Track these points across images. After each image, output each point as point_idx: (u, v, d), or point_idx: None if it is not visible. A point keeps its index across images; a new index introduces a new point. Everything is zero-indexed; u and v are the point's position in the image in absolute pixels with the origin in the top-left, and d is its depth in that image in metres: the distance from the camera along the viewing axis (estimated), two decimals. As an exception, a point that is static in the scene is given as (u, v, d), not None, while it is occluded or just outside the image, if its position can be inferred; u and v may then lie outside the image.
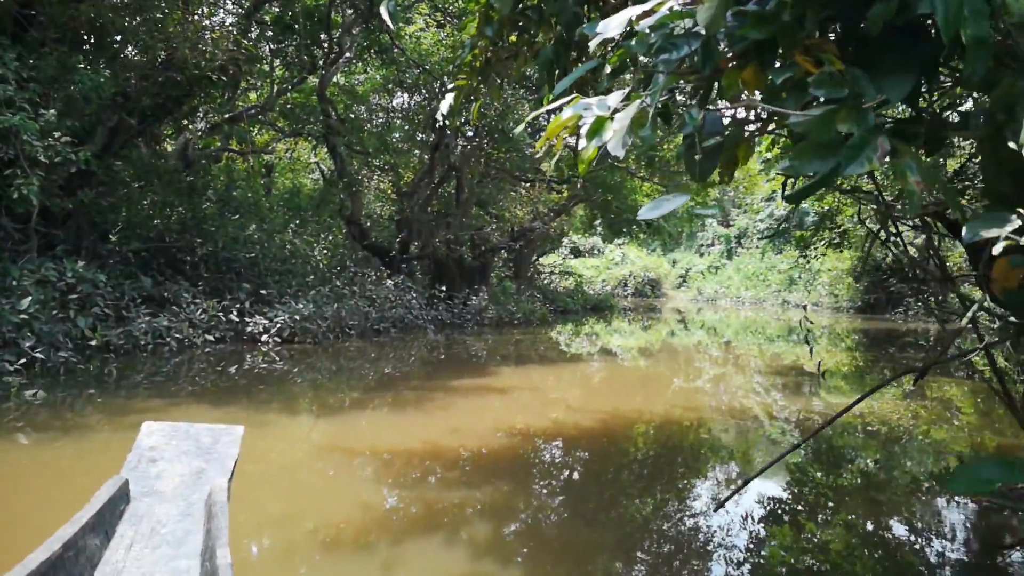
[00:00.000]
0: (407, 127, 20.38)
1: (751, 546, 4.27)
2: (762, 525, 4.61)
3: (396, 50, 17.19)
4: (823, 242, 13.61)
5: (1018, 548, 4.32)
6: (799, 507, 5.11)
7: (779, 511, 4.96)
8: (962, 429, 7.83)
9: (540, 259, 32.88)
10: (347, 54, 17.88)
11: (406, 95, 20.48)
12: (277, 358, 11.43)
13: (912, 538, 4.51)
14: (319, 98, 17.72)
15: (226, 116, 18.70)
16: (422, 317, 16.82)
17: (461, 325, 18.02)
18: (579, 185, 21.59)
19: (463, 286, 19.63)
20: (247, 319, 12.48)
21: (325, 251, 20.52)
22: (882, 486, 5.61)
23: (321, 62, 17.20)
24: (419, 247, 19.70)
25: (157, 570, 2.46)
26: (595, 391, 9.59)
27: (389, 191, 22.24)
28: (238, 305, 12.69)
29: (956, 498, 5.01)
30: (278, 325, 12.30)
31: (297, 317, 12.41)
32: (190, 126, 19.20)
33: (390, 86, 19.20)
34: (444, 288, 18.71)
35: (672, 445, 6.62)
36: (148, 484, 3.01)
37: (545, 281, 31.30)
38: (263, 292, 13.29)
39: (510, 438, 6.33)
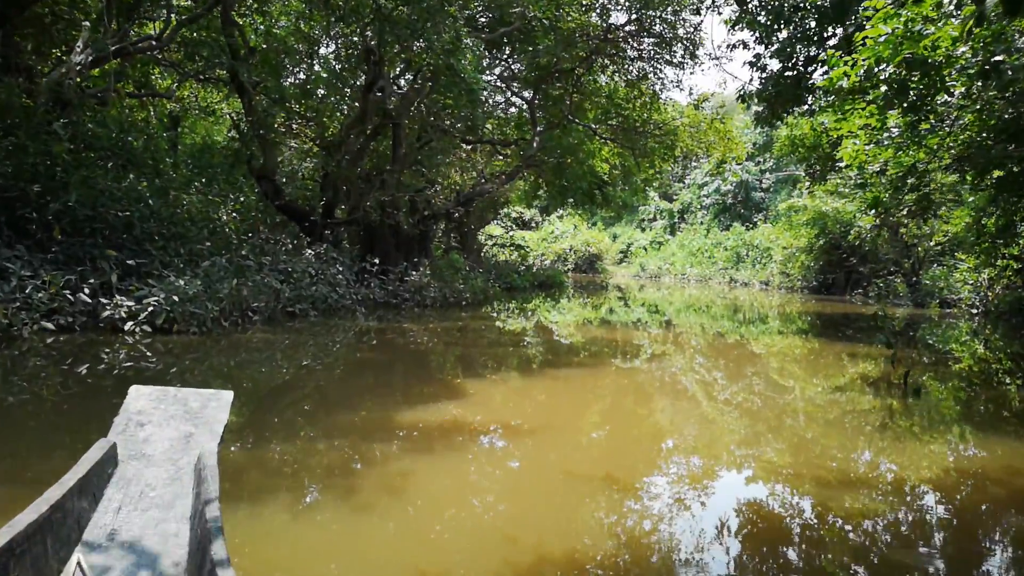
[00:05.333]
0: (333, 72, 16.96)
1: None
2: None
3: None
4: (904, 206, 11.04)
5: None
6: None
7: None
8: None
9: (481, 230, 29.98)
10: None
11: (333, 42, 17.07)
12: (149, 353, 8.21)
13: None
14: (223, 21, 14.19)
15: (113, 48, 15.01)
16: (349, 296, 13.66)
17: (398, 306, 14.93)
18: (535, 143, 18.66)
19: (399, 258, 16.52)
20: (104, 300, 9.13)
21: (234, 214, 17.06)
22: None
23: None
24: (347, 210, 16.42)
25: (146, 533, 2.45)
26: (630, 436, 6.18)
27: (312, 145, 18.81)
28: (91, 280, 9.31)
29: None
30: (150, 308, 9.00)
31: (176, 297, 9.11)
32: (64, 58, 15.60)
33: (311, 12, 15.70)
34: (377, 260, 15.57)
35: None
36: (136, 448, 2.96)
37: (487, 254, 28.47)
38: (131, 263, 9.92)
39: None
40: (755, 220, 44.54)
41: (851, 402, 7.53)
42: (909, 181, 8.88)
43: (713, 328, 15.71)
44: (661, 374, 9.33)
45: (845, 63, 7.57)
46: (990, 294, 20.01)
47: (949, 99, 7.26)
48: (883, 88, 7.19)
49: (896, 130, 7.85)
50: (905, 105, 7.17)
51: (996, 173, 10.52)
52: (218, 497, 2.42)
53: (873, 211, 11.65)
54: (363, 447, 5.10)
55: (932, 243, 22.43)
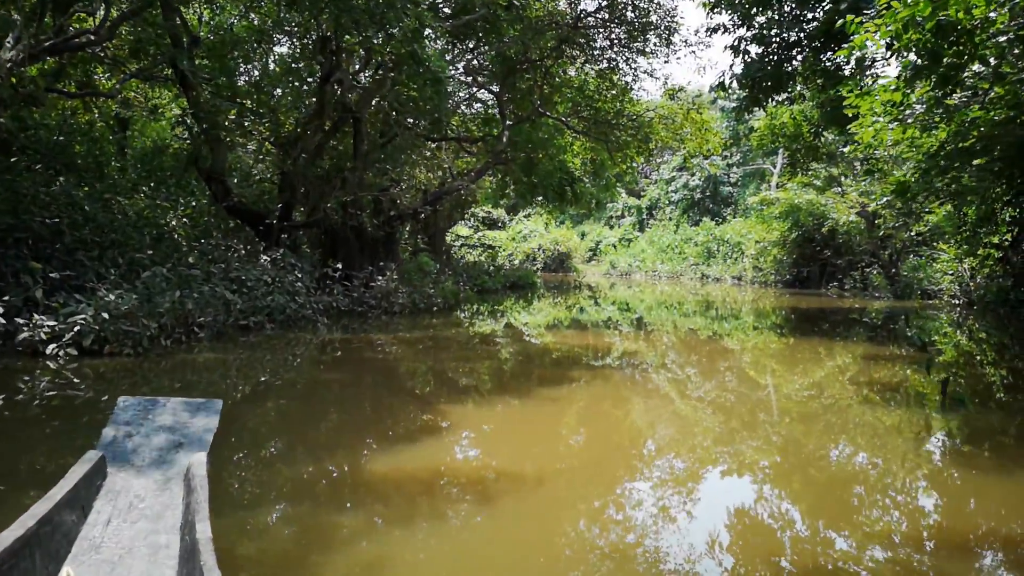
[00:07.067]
0: (288, 68, 15.76)
1: None
2: None
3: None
4: (929, 195, 10.20)
5: None
6: None
7: None
8: None
9: (450, 230, 28.97)
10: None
11: (285, 35, 15.85)
12: (76, 379, 7.10)
13: None
14: (163, 7, 13.01)
15: (47, 44, 13.79)
16: (310, 305, 12.56)
17: (363, 314, 13.85)
18: (505, 138, 17.70)
19: (364, 262, 15.42)
20: (22, 319, 7.95)
21: (184, 220, 15.82)
22: None
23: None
24: (306, 212, 15.30)
25: (136, 545, 2.40)
26: (650, 476, 5.00)
27: (267, 144, 17.59)
28: (7, 298, 8.12)
29: None
30: (78, 327, 7.84)
31: (107, 314, 7.95)
32: (-7, 53, 14.32)
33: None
34: (340, 265, 14.46)
35: None
36: (125, 459, 2.92)
37: (457, 255, 27.50)
38: (55, 276, 8.74)
39: None
40: (724, 215, 44.22)
41: (886, 416, 6.72)
42: (940, 162, 8.06)
43: (703, 328, 14.95)
44: (655, 385, 8.46)
45: (866, 30, 6.75)
46: (972, 284, 19.60)
47: (981, 69, 6.51)
48: (911, 56, 6.41)
49: (920, 107, 7.07)
50: (935, 77, 6.38)
51: (978, 161, 9.85)
52: (207, 507, 2.39)
53: (900, 197, 10.75)
54: (324, 516, 3.95)
55: (913, 233, 21.96)
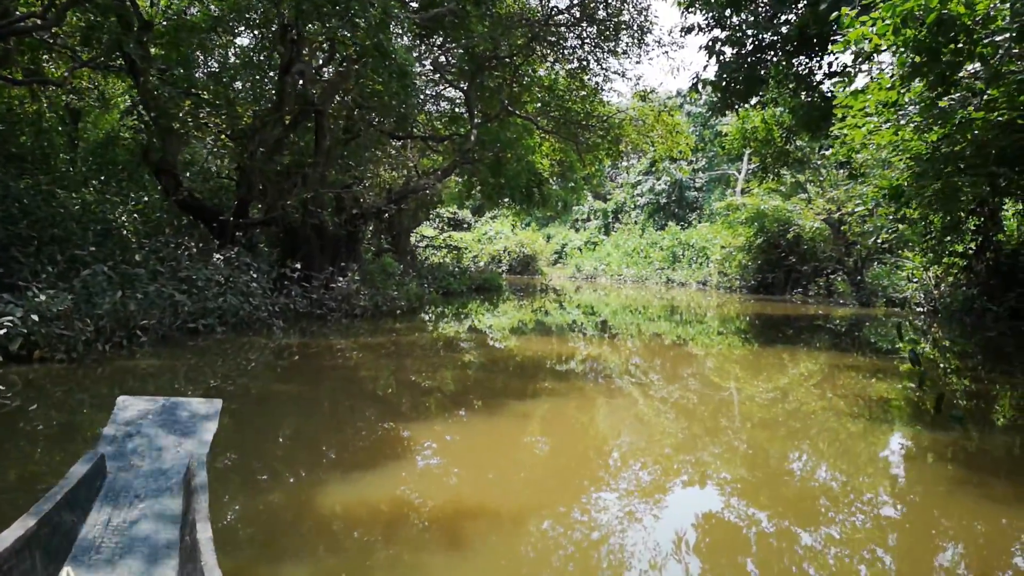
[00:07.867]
0: (248, 61, 15.05)
1: None
2: None
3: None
4: (921, 200, 9.89)
5: None
6: None
7: None
8: None
9: (415, 231, 28.37)
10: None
11: (244, 24, 15.12)
12: (2, 386, 6.42)
13: None
14: (111, -10, 12.27)
15: (-11, 28, 12.94)
16: (266, 307, 11.90)
17: (323, 316, 13.23)
18: (472, 137, 17.21)
19: (325, 263, 14.78)
20: (-61, 321, 7.23)
21: (135, 215, 15.00)
22: None
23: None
24: (263, 209, 14.61)
25: (136, 545, 2.42)
26: (645, 511, 4.29)
27: (223, 138, 16.83)
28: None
29: None
30: (3, 329, 7.14)
31: (37, 316, 7.27)
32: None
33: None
34: (299, 265, 13.82)
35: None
36: (125, 459, 2.94)
37: (421, 256, 26.92)
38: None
39: None
40: (690, 219, 44.35)
41: (886, 436, 6.39)
42: (937, 165, 7.75)
43: (674, 335, 14.64)
44: (621, 392, 8.06)
45: (863, 23, 6.43)
46: (936, 292, 19.68)
47: (979, 68, 6.22)
48: (907, 54, 6.10)
49: (913, 108, 6.79)
50: (931, 77, 6.08)
51: (948, 168, 9.69)
52: (208, 507, 2.40)
53: (893, 202, 10.47)
54: (269, 571, 3.30)
55: (879, 240, 22.01)
